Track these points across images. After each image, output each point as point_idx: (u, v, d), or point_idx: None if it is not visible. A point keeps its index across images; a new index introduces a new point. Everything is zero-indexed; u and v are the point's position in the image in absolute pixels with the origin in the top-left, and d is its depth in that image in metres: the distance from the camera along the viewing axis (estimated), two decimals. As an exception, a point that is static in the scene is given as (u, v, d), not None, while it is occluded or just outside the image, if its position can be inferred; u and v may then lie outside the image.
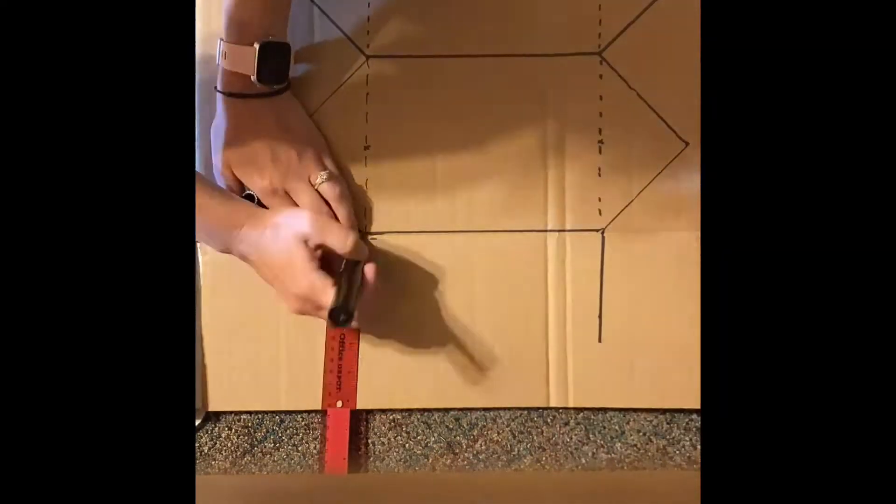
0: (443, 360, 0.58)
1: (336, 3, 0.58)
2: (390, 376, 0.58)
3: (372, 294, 0.53)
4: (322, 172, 0.55)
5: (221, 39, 0.52)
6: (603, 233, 0.58)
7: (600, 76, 0.58)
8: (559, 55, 0.58)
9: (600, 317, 0.58)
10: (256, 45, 0.52)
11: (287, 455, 0.59)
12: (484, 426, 0.59)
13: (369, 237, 0.58)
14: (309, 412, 0.59)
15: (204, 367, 0.58)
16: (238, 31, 0.52)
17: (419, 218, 0.58)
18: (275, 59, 0.53)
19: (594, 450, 0.58)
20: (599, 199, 0.58)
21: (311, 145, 0.56)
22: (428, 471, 0.58)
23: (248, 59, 0.52)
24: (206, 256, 0.58)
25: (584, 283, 0.58)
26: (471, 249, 0.58)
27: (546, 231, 0.58)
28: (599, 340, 0.58)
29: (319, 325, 0.58)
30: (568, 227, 0.58)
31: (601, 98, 0.58)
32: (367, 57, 0.58)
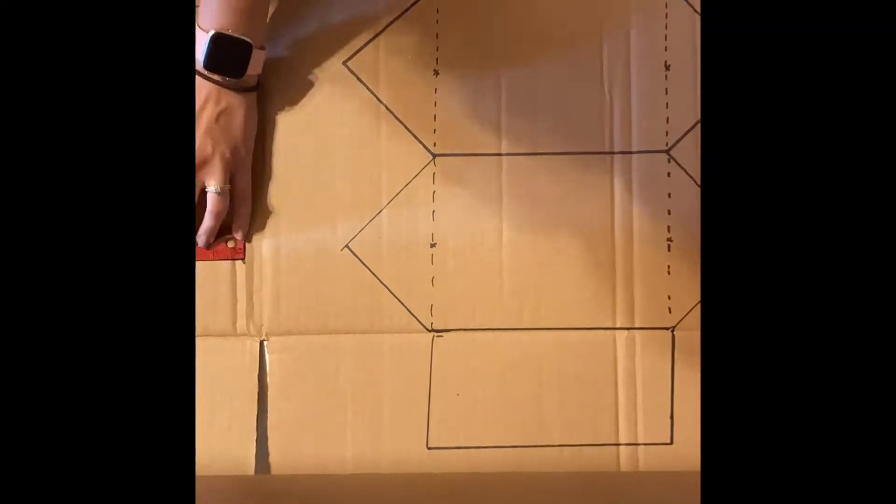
0: (511, 459, 0.57)
1: (403, 104, 0.59)
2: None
3: None
4: (216, 185, 0.57)
5: None
6: (673, 331, 0.57)
7: (668, 174, 0.58)
8: (627, 153, 0.58)
9: (672, 417, 0.57)
10: (210, 33, 0.54)
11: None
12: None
13: (435, 335, 0.58)
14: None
15: (268, 465, 0.58)
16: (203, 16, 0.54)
17: (485, 315, 0.58)
18: (227, 51, 0.54)
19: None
20: (669, 298, 0.58)
21: (231, 151, 0.57)
22: (429, 472, 0.57)
23: (200, 44, 0.54)
24: (274, 355, 0.58)
25: (654, 382, 0.57)
26: (538, 347, 0.58)
27: (615, 329, 0.58)
28: (671, 441, 0.57)
29: (387, 431, 0.57)
30: (637, 325, 0.57)
31: (669, 196, 0.58)
32: (434, 156, 0.59)
